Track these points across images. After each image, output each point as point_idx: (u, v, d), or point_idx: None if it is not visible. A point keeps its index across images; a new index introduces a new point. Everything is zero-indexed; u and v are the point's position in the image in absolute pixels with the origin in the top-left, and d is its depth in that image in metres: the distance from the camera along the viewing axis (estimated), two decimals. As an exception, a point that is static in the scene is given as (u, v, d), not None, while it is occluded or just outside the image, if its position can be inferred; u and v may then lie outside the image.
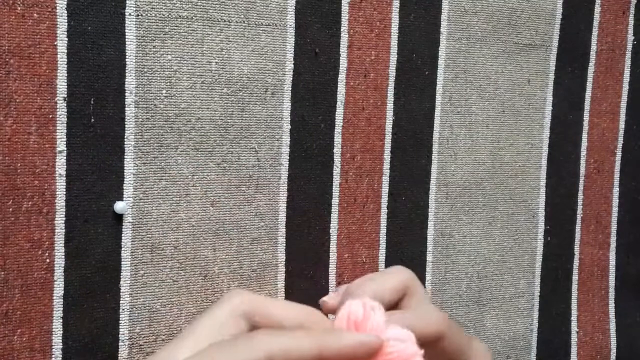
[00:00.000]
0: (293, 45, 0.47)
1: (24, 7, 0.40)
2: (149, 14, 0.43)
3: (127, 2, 0.43)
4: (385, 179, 0.51)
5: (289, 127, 0.48)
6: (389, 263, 0.52)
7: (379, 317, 0.27)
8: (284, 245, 0.48)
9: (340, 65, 0.49)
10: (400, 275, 0.37)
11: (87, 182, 0.43)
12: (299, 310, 0.29)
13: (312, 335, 0.26)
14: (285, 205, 0.48)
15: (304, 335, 0.25)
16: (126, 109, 0.43)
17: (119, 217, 0.44)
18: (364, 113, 0.50)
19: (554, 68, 0.56)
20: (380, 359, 0.25)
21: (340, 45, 0.49)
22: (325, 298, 0.37)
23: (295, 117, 0.48)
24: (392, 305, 0.36)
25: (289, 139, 0.48)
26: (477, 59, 0.53)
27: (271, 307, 0.28)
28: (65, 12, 0.41)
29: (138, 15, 0.43)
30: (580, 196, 0.58)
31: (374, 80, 0.50)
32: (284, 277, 0.49)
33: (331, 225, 0.50)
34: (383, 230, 0.51)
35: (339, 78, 0.49)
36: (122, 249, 0.44)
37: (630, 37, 0.58)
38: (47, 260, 0.42)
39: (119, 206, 0.43)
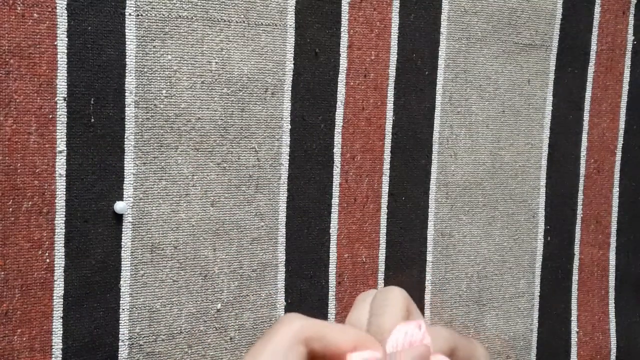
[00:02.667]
0: (293, 45, 0.47)
1: (24, 7, 0.40)
2: (149, 14, 0.43)
3: (127, 2, 0.43)
4: (385, 179, 0.51)
5: (289, 127, 0.48)
6: (389, 263, 0.52)
7: (429, 340, 0.28)
8: (284, 245, 0.48)
9: (340, 65, 0.49)
10: (401, 300, 0.37)
11: (87, 182, 0.43)
12: (353, 335, 0.29)
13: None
14: (285, 205, 0.48)
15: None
16: (126, 109, 0.43)
17: (119, 217, 0.44)
18: (364, 113, 0.50)
19: (554, 68, 0.56)
20: None
21: (340, 45, 0.49)
22: None
23: (295, 117, 0.48)
24: None
25: (289, 139, 0.48)
26: (477, 59, 0.53)
27: (329, 333, 0.29)
28: (65, 12, 0.41)
29: (138, 15, 0.43)
30: (580, 196, 0.58)
31: (374, 80, 0.50)
32: (284, 277, 0.49)
33: (331, 225, 0.50)
34: (383, 230, 0.51)
35: (339, 78, 0.49)
36: (122, 249, 0.44)
37: (630, 37, 0.58)
38: (47, 260, 0.42)
39: (119, 206, 0.43)
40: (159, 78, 0.44)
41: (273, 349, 0.28)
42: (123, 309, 0.44)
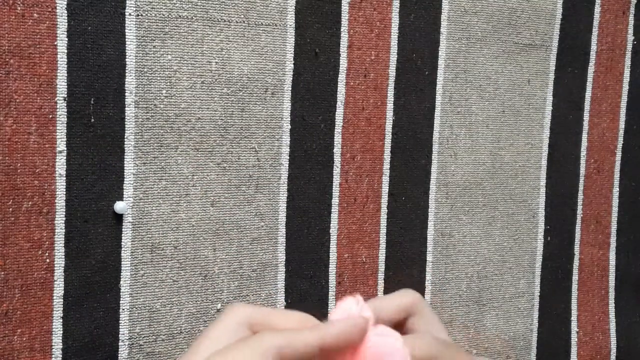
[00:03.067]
0: (293, 45, 0.47)
1: (24, 7, 0.40)
2: (149, 14, 0.43)
3: (127, 2, 0.43)
4: (385, 179, 0.51)
5: (289, 127, 0.48)
6: (389, 263, 0.52)
7: (369, 313, 0.29)
8: (284, 245, 0.48)
9: (340, 65, 0.49)
10: (404, 297, 0.37)
11: (87, 182, 0.43)
12: (297, 317, 0.30)
13: (313, 329, 0.29)
14: (285, 205, 0.48)
15: (306, 330, 0.28)
16: (126, 109, 0.43)
17: (119, 217, 0.44)
18: (364, 113, 0.50)
19: (554, 68, 0.56)
20: (362, 347, 0.28)
21: (340, 45, 0.49)
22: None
23: (295, 117, 0.48)
24: (396, 325, 0.36)
25: (289, 139, 0.48)
26: (477, 59, 0.53)
27: (272, 317, 0.30)
28: (65, 12, 0.41)
29: (138, 15, 0.43)
30: (580, 196, 0.58)
31: (374, 80, 0.50)
32: (284, 277, 0.49)
33: (331, 225, 0.50)
34: (383, 230, 0.51)
35: (339, 78, 0.49)
36: (122, 249, 0.44)
37: (630, 37, 0.58)
38: (47, 260, 0.42)
39: (119, 206, 0.43)
40: (159, 78, 0.44)
41: (219, 333, 0.29)
42: (123, 309, 0.44)
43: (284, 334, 0.28)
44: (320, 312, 0.50)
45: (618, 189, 0.59)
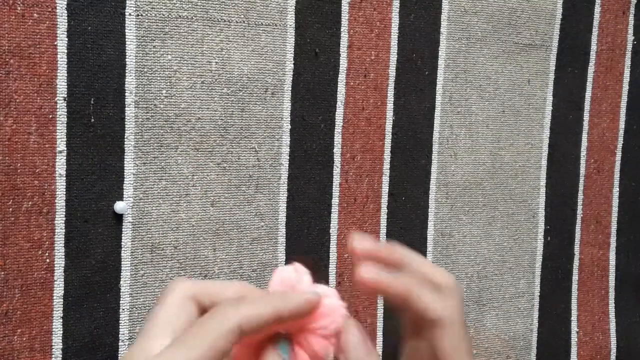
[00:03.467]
0: (293, 45, 0.47)
1: (24, 7, 0.40)
2: (149, 14, 0.43)
3: (127, 2, 0.43)
4: (385, 179, 0.51)
5: (289, 127, 0.48)
6: (389, 263, 0.52)
7: (308, 279, 0.30)
8: (284, 245, 0.48)
9: (340, 65, 0.49)
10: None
11: (87, 182, 0.43)
12: (236, 285, 0.31)
13: (268, 301, 0.29)
14: (285, 205, 0.48)
15: (262, 302, 0.29)
16: (126, 109, 0.43)
17: (119, 217, 0.44)
18: (364, 113, 0.50)
19: (554, 68, 0.56)
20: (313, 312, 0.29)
21: (340, 45, 0.49)
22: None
23: (295, 117, 0.48)
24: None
25: (289, 139, 0.48)
26: (477, 59, 0.53)
27: (213, 288, 0.31)
28: (65, 12, 0.41)
29: (138, 15, 0.43)
30: (580, 196, 0.58)
31: (374, 80, 0.50)
32: (284, 277, 0.49)
33: (331, 225, 0.50)
34: (383, 230, 0.51)
35: (339, 78, 0.49)
36: (122, 249, 0.44)
37: (630, 37, 0.58)
38: (47, 260, 0.42)
39: (119, 206, 0.43)
40: (159, 78, 0.44)
41: (167, 310, 0.30)
42: (123, 309, 0.44)
43: (241, 308, 0.28)
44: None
45: (618, 189, 0.59)
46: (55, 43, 0.41)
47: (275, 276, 0.30)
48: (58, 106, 0.42)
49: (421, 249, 0.53)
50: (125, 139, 0.43)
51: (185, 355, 0.27)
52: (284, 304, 0.29)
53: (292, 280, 0.30)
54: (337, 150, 0.49)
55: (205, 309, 0.30)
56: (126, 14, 0.43)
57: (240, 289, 0.31)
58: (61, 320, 0.43)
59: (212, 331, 0.27)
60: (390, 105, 0.51)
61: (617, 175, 0.59)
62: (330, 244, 0.50)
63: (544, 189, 0.57)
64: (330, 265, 0.50)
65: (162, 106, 0.44)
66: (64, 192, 0.42)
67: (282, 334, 0.29)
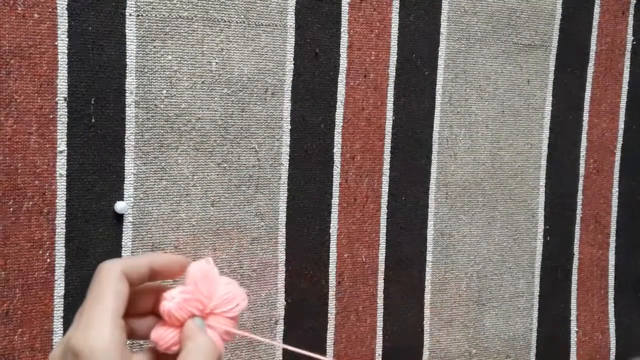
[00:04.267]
0: (293, 45, 0.47)
1: (25, 7, 0.40)
2: (149, 14, 0.43)
3: (128, 2, 0.43)
4: (385, 179, 0.51)
5: (289, 127, 0.48)
6: (389, 263, 0.52)
7: (216, 270, 0.37)
8: (284, 245, 0.48)
9: (340, 65, 0.49)
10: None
11: (87, 182, 0.43)
12: (162, 257, 0.37)
13: (145, 255, 0.36)
14: (285, 205, 0.48)
15: (140, 256, 0.36)
16: (126, 109, 0.43)
17: (119, 217, 0.44)
18: (364, 113, 0.50)
19: (554, 68, 0.56)
20: (220, 299, 0.36)
21: (340, 45, 0.49)
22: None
23: (295, 117, 0.48)
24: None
25: (289, 139, 0.48)
26: (477, 59, 0.53)
27: (140, 262, 0.35)
28: (66, 12, 0.41)
29: (138, 15, 0.43)
30: (580, 196, 0.58)
31: (374, 80, 0.50)
32: (284, 277, 0.49)
33: (331, 225, 0.50)
34: (383, 230, 0.51)
35: (339, 78, 0.49)
36: (122, 249, 0.44)
37: (630, 37, 0.58)
38: (48, 260, 0.42)
39: (119, 206, 0.43)
40: (159, 78, 0.44)
41: (98, 291, 0.33)
42: (123, 309, 0.44)
43: (121, 260, 0.34)
44: (321, 312, 0.50)
45: (618, 189, 0.59)
46: (56, 43, 0.41)
47: (192, 268, 0.37)
48: (58, 106, 0.42)
49: (421, 248, 0.53)
50: (126, 139, 0.43)
51: (101, 313, 0.32)
52: (157, 258, 0.36)
53: (204, 270, 0.37)
54: (337, 150, 0.49)
55: (134, 284, 0.35)
56: (126, 14, 0.43)
57: (163, 259, 0.36)
58: (62, 320, 0.43)
59: (106, 282, 0.33)
60: (390, 105, 0.51)
61: (616, 175, 0.59)
62: (330, 244, 0.50)
63: (544, 189, 0.57)
64: (330, 265, 0.50)
65: (162, 106, 0.44)
66: (65, 192, 0.42)
67: (197, 316, 0.35)
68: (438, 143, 0.53)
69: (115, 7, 0.42)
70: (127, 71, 0.43)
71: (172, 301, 0.35)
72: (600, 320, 0.59)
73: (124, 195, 0.44)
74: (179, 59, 0.44)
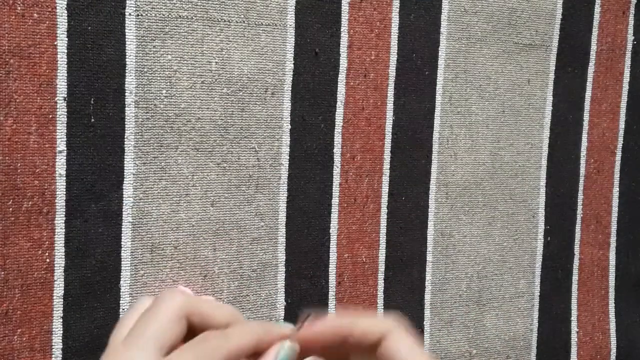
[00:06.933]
0: (293, 45, 0.47)
1: (24, 7, 0.40)
2: (149, 14, 0.43)
3: (127, 2, 0.43)
4: (385, 179, 0.51)
5: (289, 127, 0.48)
6: (389, 263, 0.52)
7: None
8: (284, 245, 0.48)
9: (340, 65, 0.49)
10: (378, 322, 0.36)
11: (87, 182, 0.43)
12: (225, 310, 0.34)
13: (251, 333, 0.32)
14: (285, 205, 0.48)
15: (247, 335, 0.32)
16: (126, 109, 0.43)
17: (119, 217, 0.44)
18: (364, 113, 0.50)
19: (554, 68, 0.56)
20: None
21: (340, 45, 0.49)
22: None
23: (295, 117, 0.48)
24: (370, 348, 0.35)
25: (289, 139, 0.48)
26: (477, 59, 0.53)
27: (204, 308, 0.32)
28: (65, 12, 0.41)
29: (138, 15, 0.43)
30: (580, 196, 0.58)
31: (374, 80, 0.50)
32: (284, 277, 0.49)
33: (331, 225, 0.50)
34: (383, 230, 0.51)
35: (339, 78, 0.49)
36: (122, 249, 0.44)
37: (630, 37, 0.58)
38: (47, 260, 0.42)
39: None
40: (159, 78, 0.44)
41: (158, 325, 0.30)
42: (123, 309, 0.44)
43: (230, 340, 0.30)
44: (320, 312, 0.50)
45: (618, 189, 0.59)
46: (55, 43, 0.41)
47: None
48: (58, 106, 0.42)
49: (421, 249, 0.53)
50: (125, 139, 0.43)
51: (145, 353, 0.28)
52: (266, 337, 0.32)
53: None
54: (337, 150, 0.49)
55: (193, 326, 0.31)
56: (126, 14, 0.43)
57: (228, 314, 0.33)
58: (61, 320, 0.43)
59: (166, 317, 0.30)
60: (390, 105, 0.51)
61: (617, 175, 0.59)
62: (330, 244, 0.50)
63: (544, 189, 0.57)
64: (330, 265, 0.50)
65: (162, 106, 0.44)
66: (64, 192, 0.42)
67: None
68: (438, 143, 0.52)
69: (114, 7, 0.42)
70: (126, 71, 0.43)
71: None
72: (601, 320, 0.59)
73: (124, 195, 0.44)
74: (179, 59, 0.44)
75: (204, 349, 0.30)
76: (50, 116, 0.41)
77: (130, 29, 0.43)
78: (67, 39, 0.41)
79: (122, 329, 0.32)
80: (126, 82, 0.43)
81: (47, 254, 0.42)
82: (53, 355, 0.43)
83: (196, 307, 0.32)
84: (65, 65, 0.41)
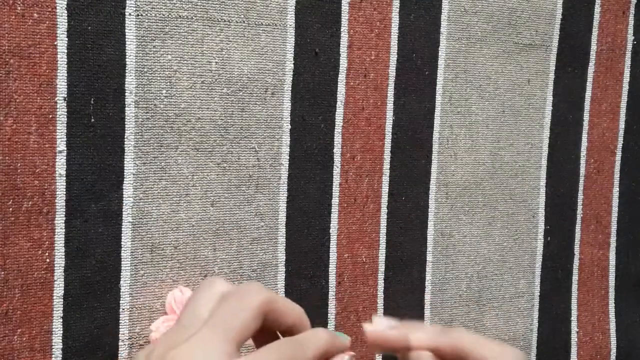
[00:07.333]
0: (293, 45, 0.47)
1: (24, 7, 0.40)
2: (149, 14, 0.43)
3: (127, 2, 0.43)
4: (385, 179, 0.51)
5: (289, 127, 0.48)
6: (389, 263, 0.52)
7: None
8: (284, 245, 0.48)
9: (340, 65, 0.49)
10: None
11: (87, 182, 0.43)
12: (296, 311, 0.33)
13: (323, 343, 0.32)
14: (285, 205, 0.48)
15: (320, 344, 0.32)
16: (126, 109, 0.43)
17: (119, 217, 0.44)
18: (364, 113, 0.50)
19: (554, 68, 0.56)
20: None
21: (340, 45, 0.49)
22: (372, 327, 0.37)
23: (295, 117, 0.48)
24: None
25: (289, 139, 0.48)
26: (477, 59, 0.53)
27: (280, 307, 0.32)
28: (65, 12, 0.41)
29: (138, 15, 0.43)
30: (580, 196, 0.58)
31: (374, 80, 0.50)
32: (284, 277, 0.49)
33: (331, 225, 0.50)
34: (383, 230, 0.51)
35: (339, 78, 0.49)
36: (122, 249, 0.44)
37: (630, 37, 0.58)
38: (47, 260, 0.42)
39: None
40: (159, 78, 0.44)
41: (239, 321, 0.30)
42: (123, 309, 0.44)
43: (318, 342, 0.31)
44: (321, 312, 0.50)
45: (618, 189, 0.59)
46: (55, 43, 0.41)
47: (169, 297, 0.38)
48: (58, 106, 0.42)
49: (421, 249, 0.53)
50: (125, 139, 0.43)
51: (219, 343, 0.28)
52: (332, 348, 0.32)
53: (182, 298, 0.36)
54: (337, 150, 0.49)
55: (265, 324, 0.31)
56: (126, 14, 0.43)
57: (298, 316, 0.33)
58: (61, 320, 0.43)
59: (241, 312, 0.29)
60: (390, 105, 0.51)
61: (617, 175, 0.59)
62: (330, 244, 0.50)
63: (544, 189, 0.57)
64: (330, 265, 0.50)
65: (162, 106, 0.44)
66: (64, 192, 0.42)
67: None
68: (438, 143, 0.52)
69: (114, 7, 0.42)
70: (126, 71, 0.43)
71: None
72: (601, 320, 0.59)
73: (124, 195, 0.44)
74: (179, 59, 0.44)
75: (296, 348, 0.30)
76: (50, 116, 0.41)
77: (130, 29, 0.43)
78: (67, 39, 0.41)
79: (198, 309, 0.31)
80: (126, 82, 0.43)
81: (47, 254, 0.42)
82: (53, 355, 0.43)
83: (275, 305, 0.31)
84: (65, 65, 0.41)
